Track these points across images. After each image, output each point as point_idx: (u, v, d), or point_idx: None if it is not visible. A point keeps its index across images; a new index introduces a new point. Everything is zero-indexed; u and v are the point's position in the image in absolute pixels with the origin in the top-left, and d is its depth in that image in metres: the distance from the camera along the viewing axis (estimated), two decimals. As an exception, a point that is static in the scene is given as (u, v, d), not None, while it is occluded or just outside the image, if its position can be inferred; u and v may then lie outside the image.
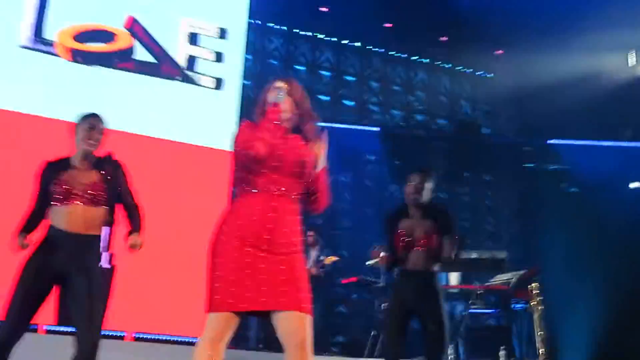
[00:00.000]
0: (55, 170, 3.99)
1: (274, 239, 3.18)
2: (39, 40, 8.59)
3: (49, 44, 8.63)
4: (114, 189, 4.09)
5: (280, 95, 3.32)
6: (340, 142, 10.88)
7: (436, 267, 4.91)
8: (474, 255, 7.71)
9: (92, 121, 4.12)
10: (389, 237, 4.99)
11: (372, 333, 7.87)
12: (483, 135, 12.12)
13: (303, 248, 3.35)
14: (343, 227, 11.38)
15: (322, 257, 8.89)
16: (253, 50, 11.23)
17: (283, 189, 3.25)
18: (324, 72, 11.88)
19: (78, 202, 3.92)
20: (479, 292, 7.80)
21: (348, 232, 11.30)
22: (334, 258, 8.96)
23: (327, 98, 11.81)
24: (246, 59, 10.88)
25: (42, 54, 8.61)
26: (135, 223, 4.22)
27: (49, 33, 8.64)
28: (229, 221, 3.24)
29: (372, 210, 11.49)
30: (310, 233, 9.30)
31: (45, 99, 8.46)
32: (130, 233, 4.18)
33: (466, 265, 7.69)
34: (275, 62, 11.61)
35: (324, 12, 11.38)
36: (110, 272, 4.07)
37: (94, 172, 4.05)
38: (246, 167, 3.28)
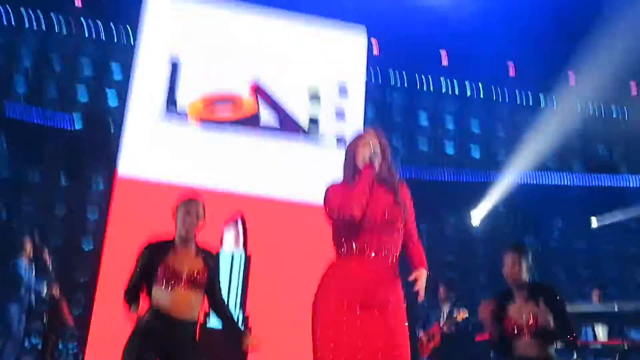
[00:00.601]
0: (158, 252, 4.01)
1: (372, 298, 3.19)
2: (172, 111, 9.17)
3: (181, 114, 9.18)
4: (212, 277, 4.12)
5: (374, 153, 3.31)
6: (467, 194, 10.73)
7: (551, 351, 4.48)
8: (620, 307, 7.18)
9: (190, 207, 4.08)
10: (498, 326, 4.53)
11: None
12: (623, 178, 11.48)
13: (404, 303, 3.31)
14: (478, 282, 11.05)
15: (454, 313, 8.61)
16: (373, 105, 11.35)
17: (378, 248, 3.25)
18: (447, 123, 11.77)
19: (181, 287, 3.94)
20: (626, 348, 7.21)
21: (483, 288, 10.93)
22: (465, 314, 8.64)
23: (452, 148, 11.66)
24: (366, 115, 11.07)
25: (174, 124, 9.16)
26: (233, 324, 4.28)
27: (180, 104, 9.21)
28: (328, 285, 3.26)
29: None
30: (442, 287, 9.09)
31: (177, 166, 8.97)
32: (240, 335, 4.18)
33: (610, 319, 7.18)
34: (397, 115, 11.65)
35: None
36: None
37: (196, 257, 4.06)
38: (340, 228, 3.31)
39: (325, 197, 3.36)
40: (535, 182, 11.10)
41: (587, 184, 11.17)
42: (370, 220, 3.25)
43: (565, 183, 11.25)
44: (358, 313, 3.16)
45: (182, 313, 3.93)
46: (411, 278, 3.28)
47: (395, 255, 3.31)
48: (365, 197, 3.22)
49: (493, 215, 11.24)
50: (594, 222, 11.13)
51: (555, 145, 11.73)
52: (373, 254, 3.24)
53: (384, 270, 3.24)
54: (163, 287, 3.91)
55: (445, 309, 8.70)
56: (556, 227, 11.46)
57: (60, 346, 9.14)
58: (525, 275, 4.35)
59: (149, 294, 3.97)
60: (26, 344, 9.04)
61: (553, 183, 11.06)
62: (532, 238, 11.38)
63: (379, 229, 3.25)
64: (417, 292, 3.31)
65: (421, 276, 3.29)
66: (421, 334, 8.52)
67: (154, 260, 3.97)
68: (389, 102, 11.60)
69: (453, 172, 11.29)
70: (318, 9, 10.00)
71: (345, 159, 3.45)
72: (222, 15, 9.77)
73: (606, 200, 10.89)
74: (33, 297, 7.61)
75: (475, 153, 11.71)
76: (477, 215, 10.84)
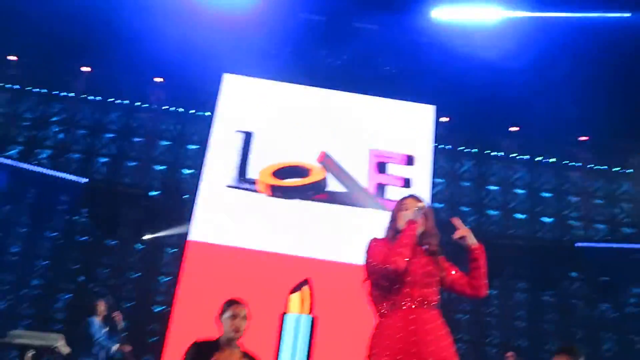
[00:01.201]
0: (205, 351, 4.09)
1: (420, 350, 3.29)
2: (243, 180, 9.52)
3: (252, 182, 9.52)
4: None
5: (418, 213, 3.53)
6: (536, 260, 10.55)
7: None
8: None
9: (235, 309, 4.19)
10: None
11: None
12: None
13: (454, 353, 3.39)
14: (548, 349, 10.71)
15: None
16: (443, 173, 11.43)
17: (419, 300, 3.40)
18: (517, 190, 11.70)
19: None
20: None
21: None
22: None
23: (524, 216, 11.53)
24: (436, 183, 11.14)
25: (245, 191, 9.49)
26: None
27: (251, 172, 9.55)
28: (376, 344, 3.39)
29: (582, 331, 10.81)
30: (510, 354, 8.95)
31: (246, 230, 9.25)
32: None
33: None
34: (467, 184, 11.65)
35: (513, 131, 11.41)
36: None
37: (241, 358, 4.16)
38: (380, 284, 3.47)
39: (367, 250, 3.54)
40: (609, 248, 10.82)
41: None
42: (411, 275, 3.41)
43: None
44: None
45: None
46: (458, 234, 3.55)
47: (437, 305, 3.46)
48: (409, 250, 3.41)
49: (565, 281, 11.00)
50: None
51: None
52: (414, 306, 3.38)
53: (429, 320, 3.36)
54: None
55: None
56: (633, 293, 11.07)
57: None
58: None
59: None
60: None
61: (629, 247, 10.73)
62: (608, 305, 11.05)
63: (419, 284, 3.42)
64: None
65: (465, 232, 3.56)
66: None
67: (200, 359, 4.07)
68: (458, 172, 11.65)
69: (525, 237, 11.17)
70: (388, 92, 10.33)
71: (389, 221, 3.66)
72: (292, 90, 10.19)
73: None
74: (104, 353, 7.94)
75: (547, 219, 11.54)
76: (548, 281, 10.61)
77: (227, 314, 4.15)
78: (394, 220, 3.62)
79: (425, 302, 3.41)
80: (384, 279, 3.43)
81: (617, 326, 10.94)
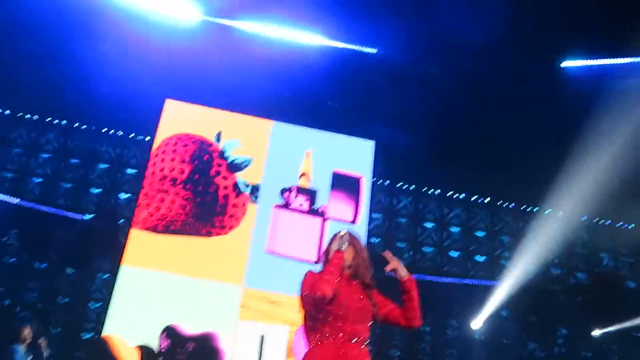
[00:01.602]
0: None
1: None
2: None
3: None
4: None
5: (343, 243, 3.63)
6: (468, 298, 10.72)
7: None
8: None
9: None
10: None
11: None
12: (627, 289, 11.43)
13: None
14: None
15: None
16: (381, 209, 11.55)
17: (350, 335, 3.45)
18: (453, 229, 11.91)
19: None
20: None
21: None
22: None
23: (457, 254, 11.74)
24: (374, 218, 11.25)
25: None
26: None
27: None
28: None
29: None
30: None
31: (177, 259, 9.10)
32: None
33: None
34: (403, 220, 11.80)
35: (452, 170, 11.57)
36: None
37: None
38: (312, 315, 3.52)
39: (301, 281, 3.62)
40: (539, 287, 11.06)
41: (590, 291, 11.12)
42: (343, 308, 3.48)
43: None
44: None
45: None
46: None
47: (367, 343, 3.53)
48: (334, 278, 3.49)
49: (495, 320, 11.17)
50: (596, 331, 11.01)
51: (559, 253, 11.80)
52: (346, 340, 3.42)
53: (357, 356, 3.42)
54: None
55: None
56: (560, 335, 11.33)
57: None
58: None
59: None
60: None
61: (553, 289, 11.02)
62: (535, 345, 11.27)
63: (352, 318, 3.48)
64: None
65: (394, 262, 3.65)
66: None
67: None
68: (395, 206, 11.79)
69: (457, 276, 11.33)
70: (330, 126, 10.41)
71: (323, 255, 3.75)
72: (234, 118, 10.09)
73: (610, 309, 10.80)
74: (27, 384, 7.68)
75: (480, 258, 11.77)
76: (480, 319, 10.76)
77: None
78: (326, 253, 3.70)
79: (356, 338, 3.46)
80: (315, 309, 3.49)
81: (545, 366, 11.18)
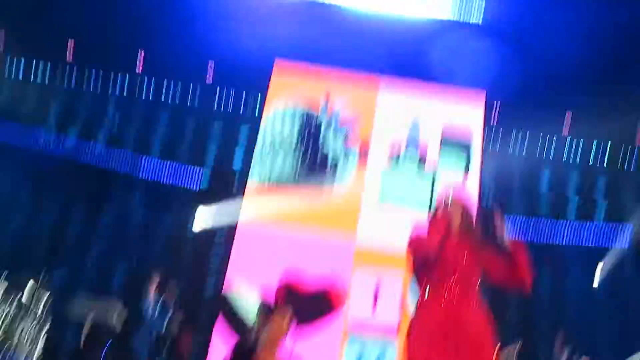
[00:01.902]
0: None
1: (460, 342, 3.41)
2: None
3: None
4: None
5: (449, 202, 3.66)
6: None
7: None
8: None
9: None
10: None
11: None
12: None
13: (494, 344, 3.54)
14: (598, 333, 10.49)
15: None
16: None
17: (456, 295, 3.49)
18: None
19: None
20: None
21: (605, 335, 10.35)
22: None
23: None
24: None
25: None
26: None
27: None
28: (416, 337, 3.52)
29: None
30: (559, 339, 8.84)
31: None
32: None
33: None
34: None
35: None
36: None
37: None
38: (419, 270, 3.60)
39: (409, 235, 3.69)
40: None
41: None
42: (449, 267, 3.52)
43: None
44: (447, 355, 3.39)
45: None
46: None
47: (476, 294, 3.57)
48: (437, 237, 3.50)
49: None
50: None
51: None
52: (454, 298, 3.48)
53: (468, 315, 3.47)
54: None
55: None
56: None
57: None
58: None
59: None
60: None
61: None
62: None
63: (459, 277, 3.51)
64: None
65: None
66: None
67: None
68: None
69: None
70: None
71: (432, 210, 3.79)
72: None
73: None
74: (155, 333, 8.19)
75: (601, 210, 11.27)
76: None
77: None
78: (435, 210, 3.74)
79: (466, 295, 3.50)
80: (421, 265, 3.58)
81: None
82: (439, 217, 3.60)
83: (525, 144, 11.33)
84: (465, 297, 3.50)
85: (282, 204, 9.36)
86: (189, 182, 10.61)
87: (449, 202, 3.65)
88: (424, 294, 3.56)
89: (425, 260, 3.52)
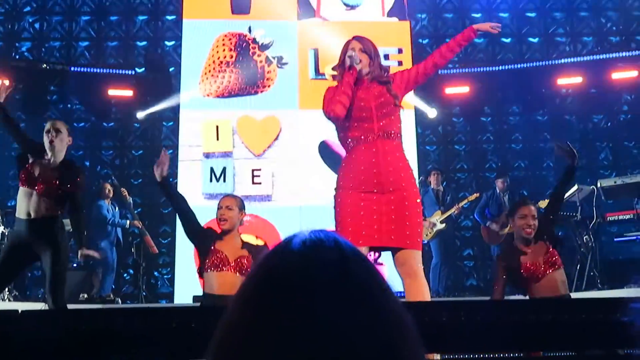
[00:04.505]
0: (210, 238, 4.56)
1: (381, 180, 3.54)
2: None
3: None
4: None
5: (354, 58, 3.64)
6: (525, 82, 10.62)
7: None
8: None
9: (220, 201, 4.66)
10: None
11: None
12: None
13: (416, 187, 3.64)
14: (546, 166, 11.06)
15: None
16: (425, 8, 11.31)
17: (378, 133, 3.58)
18: (502, 15, 11.57)
19: None
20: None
21: (551, 171, 10.94)
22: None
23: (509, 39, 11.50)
24: (419, 18, 11.08)
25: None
26: None
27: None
28: (342, 177, 3.66)
29: (577, 145, 11.02)
30: (500, 179, 9.26)
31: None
32: None
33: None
34: (449, 15, 11.54)
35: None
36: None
37: None
38: (340, 125, 3.68)
39: (323, 98, 3.71)
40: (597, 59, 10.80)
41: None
42: (365, 110, 3.59)
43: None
44: (374, 197, 3.51)
45: None
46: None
47: (398, 135, 3.65)
48: (346, 97, 3.55)
49: (556, 99, 11.12)
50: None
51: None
52: (376, 138, 3.56)
53: (390, 152, 3.56)
54: None
55: (506, 198, 8.95)
56: (624, 102, 11.19)
57: (156, 273, 9.99)
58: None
59: None
60: (125, 275, 9.94)
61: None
62: (600, 116, 11.24)
63: (376, 116, 3.58)
64: None
65: None
66: (492, 224, 8.80)
67: None
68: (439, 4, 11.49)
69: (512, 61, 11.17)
70: None
71: (337, 65, 3.81)
72: None
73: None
74: (119, 231, 8.39)
75: (534, 39, 11.50)
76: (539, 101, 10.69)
77: (218, 205, 4.60)
78: (341, 62, 3.74)
79: (386, 133, 3.59)
80: (337, 122, 3.65)
81: (612, 135, 11.20)
82: (345, 78, 3.62)
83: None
84: (386, 131, 3.59)
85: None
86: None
87: (356, 60, 3.62)
88: (350, 143, 3.64)
89: (333, 120, 3.62)
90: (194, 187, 8.74)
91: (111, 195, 8.47)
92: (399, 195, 3.51)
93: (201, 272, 4.46)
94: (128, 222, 8.30)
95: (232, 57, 9.00)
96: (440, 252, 8.82)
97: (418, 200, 3.59)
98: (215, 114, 9.09)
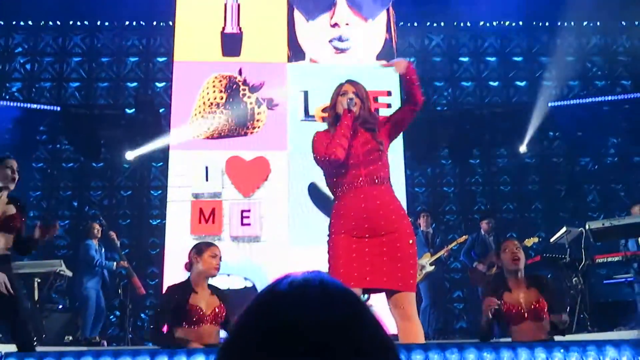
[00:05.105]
0: (180, 296, 4.38)
1: (372, 226, 3.54)
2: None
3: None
4: None
5: (351, 101, 3.65)
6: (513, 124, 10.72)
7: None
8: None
9: (215, 250, 4.55)
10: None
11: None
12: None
13: (410, 229, 3.63)
14: (535, 208, 11.13)
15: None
16: (414, 52, 11.46)
17: (367, 178, 3.60)
18: (490, 58, 11.76)
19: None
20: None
21: (540, 213, 11.02)
22: (535, 239, 8.71)
23: (496, 83, 11.66)
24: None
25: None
26: None
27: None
28: (333, 224, 3.65)
29: (565, 187, 11.16)
30: (485, 221, 9.28)
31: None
32: None
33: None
34: (438, 59, 11.70)
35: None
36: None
37: None
38: (330, 172, 3.69)
39: (312, 144, 3.70)
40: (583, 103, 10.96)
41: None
42: (354, 157, 3.60)
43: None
44: (366, 240, 3.51)
45: None
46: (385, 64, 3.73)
47: (386, 179, 3.66)
48: (346, 140, 3.56)
49: (543, 141, 11.21)
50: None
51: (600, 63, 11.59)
52: (365, 183, 3.57)
53: (379, 196, 3.57)
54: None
55: (492, 240, 8.97)
56: (611, 145, 11.33)
57: (143, 315, 9.88)
58: (523, 265, 4.53)
59: None
60: (112, 317, 9.82)
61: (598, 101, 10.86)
62: (586, 159, 11.34)
63: (364, 163, 3.60)
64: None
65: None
66: (478, 264, 8.79)
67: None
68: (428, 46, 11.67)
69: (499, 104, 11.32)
70: None
71: (329, 106, 3.80)
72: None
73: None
74: (106, 272, 8.32)
75: (521, 82, 11.66)
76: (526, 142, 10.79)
77: (208, 254, 4.47)
78: (333, 105, 3.76)
79: (374, 179, 3.60)
80: (330, 167, 3.63)
81: (599, 177, 11.29)
82: (344, 121, 3.61)
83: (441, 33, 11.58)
84: (374, 177, 3.60)
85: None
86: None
87: (352, 103, 3.64)
88: (339, 189, 3.65)
89: (333, 164, 3.58)
90: (182, 228, 8.67)
91: (99, 235, 8.41)
92: (392, 237, 3.51)
93: (173, 327, 4.34)
94: (115, 263, 8.23)
95: (222, 98, 9.04)
96: (429, 294, 8.78)
97: (411, 242, 3.56)
98: (204, 155, 9.06)
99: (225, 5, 9.60)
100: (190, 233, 8.59)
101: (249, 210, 8.71)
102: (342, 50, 9.65)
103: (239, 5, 9.61)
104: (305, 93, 9.26)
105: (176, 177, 9.07)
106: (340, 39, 9.43)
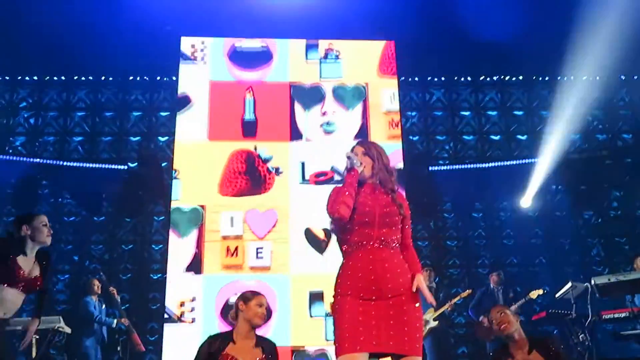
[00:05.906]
0: (219, 346, 4.29)
1: (380, 287, 3.51)
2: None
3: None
4: None
5: (355, 161, 3.70)
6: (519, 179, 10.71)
7: None
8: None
9: (261, 299, 4.48)
10: None
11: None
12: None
13: (416, 291, 3.56)
14: (539, 262, 11.04)
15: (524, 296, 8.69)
16: (415, 106, 11.57)
17: (377, 240, 3.58)
18: (490, 112, 11.85)
19: None
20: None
21: (544, 267, 10.93)
22: (540, 292, 8.68)
23: (498, 137, 11.71)
24: (409, 116, 11.30)
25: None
26: None
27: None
28: (340, 283, 3.61)
29: (568, 241, 11.09)
30: (494, 274, 9.21)
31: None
32: None
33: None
34: (439, 113, 11.78)
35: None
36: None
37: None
38: (344, 228, 3.66)
39: (328, 198, 3.71)
40: (585, 154, 10.99)
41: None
42: (369, 215, 3.59)
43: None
44: (373, 303, 3.48)
45: None
46: (414, 289, 3.55)
47: (397, 245, 3.64)
48: (350, 198, 3.58)
49: (546, 195, 11.18)
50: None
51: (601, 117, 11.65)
52: (375, 245, 3.56)
53: (388, 258, 3.55)
54: None
55: (500, 293, 8.87)
56: (614, 198, 11.30)
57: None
58: (515, 327, 4.50)
59: None
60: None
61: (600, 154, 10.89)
62: (589, 213, 11.31)
63: (378, 224, 3.59)
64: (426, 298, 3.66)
65: (420, 282, 3.58)
66: (484, 319, 8.66)
67: None
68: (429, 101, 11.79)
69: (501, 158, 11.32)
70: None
71: (345, 169, 3.80)
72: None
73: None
74: (105, 330, 8.19)
75: (522, 136, 11.70)
76: (529, 197, 10.76)
77: (254, 302, 4.42)
78: (345, 167, 3.77)
79: (385, 242, 3.58)
80: (337, 223, 3.64)
81: (603, 231, 11.23)
82: (347, 179, 3.65)
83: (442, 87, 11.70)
84: (386, 240, 3.59)
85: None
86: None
87: (355, 161, 3.68)
88: (348, 246, 3.64)
89: (337, 221, 3.60)
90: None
91: (99, 291, 8.32)
92: (398, 300, 3.49)
93: None
94: (115, 320, 8.11)
95: (243, 168, 10.23)
96: (434, 350, 8.63)
97: (417, 305, 3.54)
98: (230, 208, 10.02)
99: (244, 99, 10.56)
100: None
101: (262, 248, 9.84)
102: (329, 132, 10.52)
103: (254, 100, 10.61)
104: (302, 163, 10.30)
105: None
106: (328, 124, 10.58)
